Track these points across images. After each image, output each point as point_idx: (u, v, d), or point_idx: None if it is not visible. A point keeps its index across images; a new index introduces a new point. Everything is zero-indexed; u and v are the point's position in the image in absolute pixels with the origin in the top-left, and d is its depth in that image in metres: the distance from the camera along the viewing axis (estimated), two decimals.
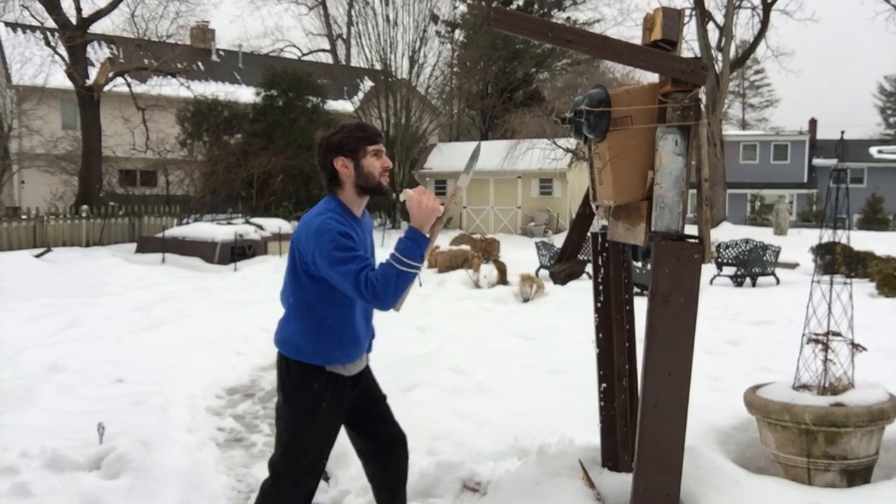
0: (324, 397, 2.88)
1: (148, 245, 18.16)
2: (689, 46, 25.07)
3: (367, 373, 3.12)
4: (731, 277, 13.30)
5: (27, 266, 14.44)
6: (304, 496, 2.96)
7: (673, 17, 2.85)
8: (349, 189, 2.87)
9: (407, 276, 2.65)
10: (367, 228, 3.03)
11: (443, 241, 15.57)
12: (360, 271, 2.63)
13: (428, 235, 2.74)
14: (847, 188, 4.01)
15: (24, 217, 19.58)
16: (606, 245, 3.48)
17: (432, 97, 32.47)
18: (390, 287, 2.62)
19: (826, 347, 3.84)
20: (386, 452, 3.17)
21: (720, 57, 25.99)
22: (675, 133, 2.80)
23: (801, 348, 3.90)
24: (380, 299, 2.63)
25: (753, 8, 27.19)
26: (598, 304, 3.54)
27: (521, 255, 15.94)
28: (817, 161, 38.79)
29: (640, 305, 2.98)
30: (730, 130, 40.93)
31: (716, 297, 10.96)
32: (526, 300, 11.15)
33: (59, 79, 23.97)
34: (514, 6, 34.63)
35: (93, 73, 23.23)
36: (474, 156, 3.02)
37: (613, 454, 3.57)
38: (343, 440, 3.20)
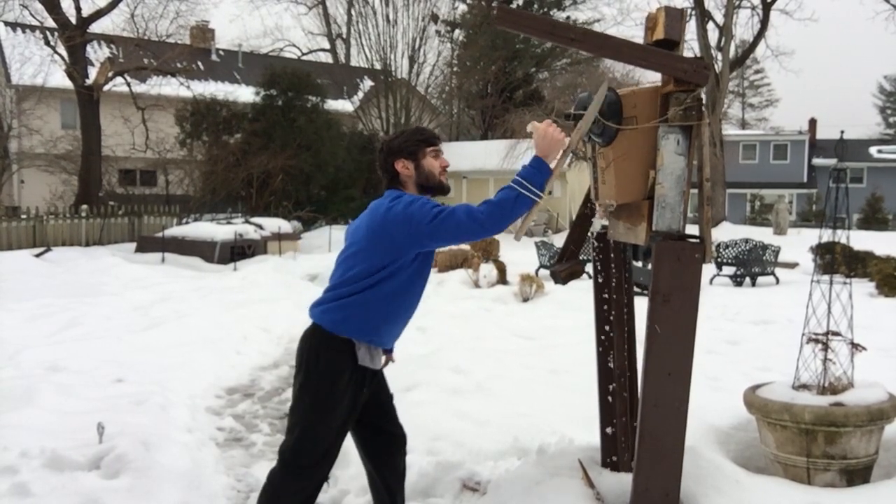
0: (350, 384, 2.90)
1: (148, 245, 18.15)
2: (689, 46, 25.06)
3: (381, 371, 3.17)
4: (731, 277, 13.31)
5: (27, 266, 14.43)
6: (311, 487, 2.95)
7: (675, 17, 2.85)
8: (410, 189, 2.99)
9: (526, 200, 2.69)
10: None
11: None
12: (465, 206, 2.72)
13: (552, 166, 2.76)
14: (847, 188, 4.01)
15: (23, 217, 19.57)
16: (607, 245, 3.48)
17: (432, 97, 32.48)
18: (507, 208, 2.68)
19: (826, 347, 3.84)
20: (389, 451, 3.21)
21: (720, 56, 25.99)
22: (677, 133, 2.80)
23: (801, 348, 3.90)
24: (495, 219, 2.68)
25: (753, 7, 27.19)
26: (599, 304, 3.54)
27: (520, 255, 15.93)
28: (817, 161, 38.81)
29: (641, 305, 2.98)
30: (729, 130, 40.94)
31: (716, 296, 10.96)
32: (526, 300, 11.15)
33: (59, 78, 23.96)
34: (513, 5, 34.65)
35: (92, 72, 23.20)
36: (597, 102, 2.91)
37: (613, 454, 3.57)
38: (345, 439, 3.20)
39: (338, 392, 2.89)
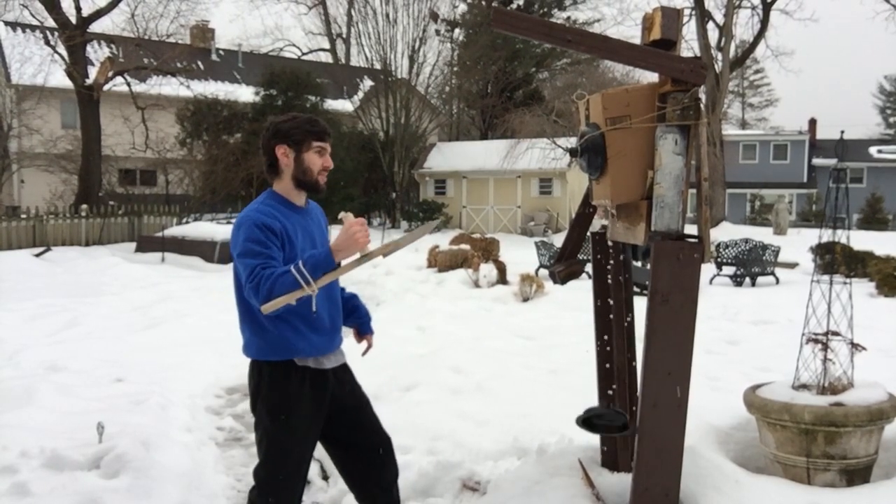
0: (301, 397, 2.82)
1: (147, 244, 18.15)
2: (689, 46, 25.06)
3: (348, 375, 3.03)
4: (731, 277, 13.30)
5: (27, 265, 14.44)
6: (290, 501, 2.89)
7: (672, 17, 2.85)
8: (287, 179, 2.85)
9: (292, 281, 2.52)
10: (314, 218, 2.97)
11: (443, 241, 15.56)
12: (258, 266, 2.57)
13: (338, 263, 2.62)
14: (847, 188, 4.00)
15: (23, 216, 19.57)
16: (606, 245, 3.48)
17: (432, 96, 32.45)
18: (275, 283, 2.52)
19: (825, 347, 3.84)
20: (364, 463, 3.04)
21: (720, 56, 25.98)
22: (674, 132, 2.80)
23: (801, 348, 3.90)
24: (257, 292, 2.54)
25: (753, 7, 27.18)
26: (598, 304, 3.54)
27: (520, 255, 15.93)
28: (817, 161, 38.81)
29: (640, 305, 2.98)
30: (729, 130, 40.92)
31: (715, 296, 10.96)
32: (525, 300, 11.15)
33: (59, 78, 23.96)
34: (514, 6, 34.64)
35: (92, 72, 23.20)
36: (419, 232, 2.95)
37: (613, 454, 3.57)
38: None
39: (295, 407, 2.82)
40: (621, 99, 2.90)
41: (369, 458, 3.04)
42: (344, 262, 2.66)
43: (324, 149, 2.85)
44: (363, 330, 3.19)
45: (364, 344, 3.21)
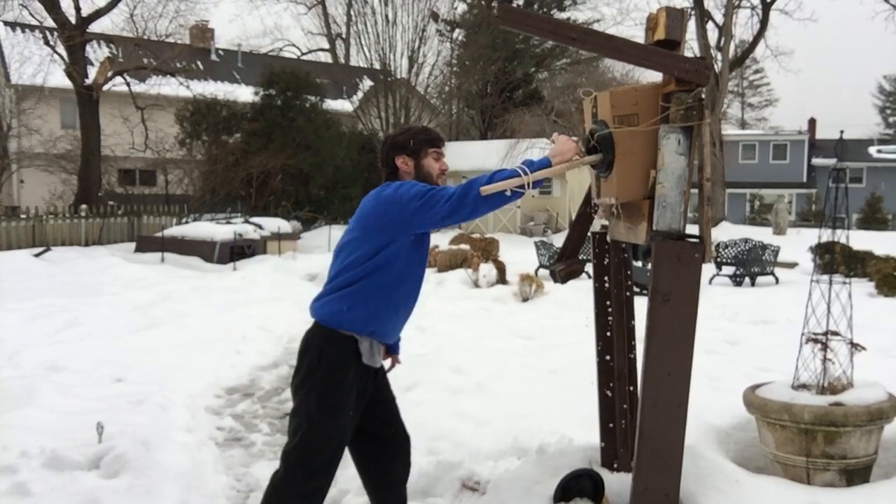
0: (351, 388, 2.88)
1: (147, 244, 18.15)
2: (689, 46, 25.01)
3: (383, 371, 3.14)
4: (731, 277, 13.31)
5: (26, 265, 14.44)
6: (316, 492, 2.90)
7: (676, 18, 2.85)
8: None
9: (512, 173, 2.74)
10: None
11: (442, 241, 15.57)
12: (458, 186, 2.73)
13: (553, 164, 2.81)
14: (846, 188, 4.01)
15: (23, 216, 19.56)
16: (607, 244, 3.48)
17: (431, 96, 32.45)
18: (493, 176, 2.72)
19: (825, 347, 3.84)
20: (383, 457, 3.13)
21: (719, 56, 25.98)
22: (677, 133, 2.80)
23: (801, 348, 3.90)
24: (467, 189, 2.69)
25: (753, 7, 27.19)
26: (598, 304, 3.54)
27: (520, 255, 15.93)
28: (816, 161, 38.83)
29: (641, 305, 2.98)
30: (729, 130, 40.94)
31: (715, 296, 10.96)
32: (525, 300, 11.15)
33: (59, 78, 23.94)
34: (514, 6, 34.58)
35: (92, 72, 23.19)
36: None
37: (613, 454, 3.57)
38: None
39: (344, 389, 2.87)
40: (630, 97, 2.90)
41: (389, 452, 3.14)
42: (555, 164, 2.83)
43: (440, 154, 3.06)
44: (393, 349, 3.26)
45: (388, 362, 3.27)
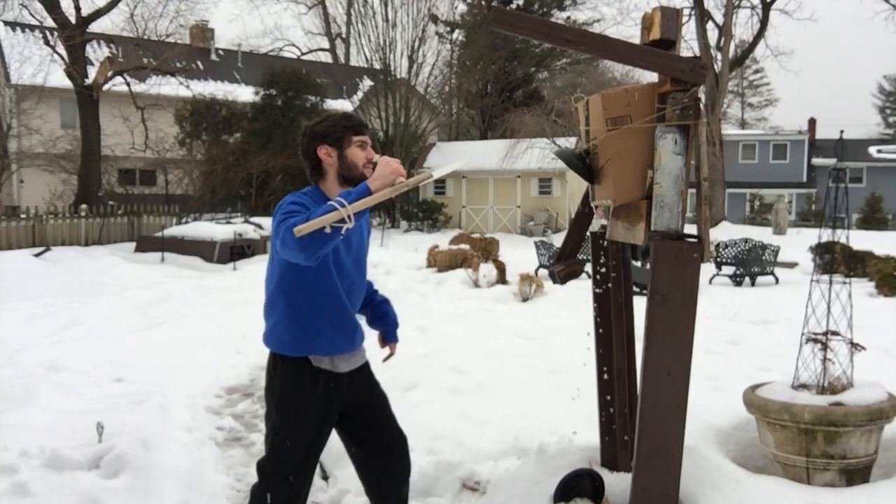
0: (312, 396, 2.82)
1: (147, 244, 18.15)
2: (689, 46, 25.08)
3: (365, 375, 3.03)
4: (731, 277, 13.31)
5: (26, 265, 14.44)
6: (292, 499, 2.89)
7: (671, 17, 2.85)
8: (332, 179, 2.83)
9: (329, 208, 2.48)
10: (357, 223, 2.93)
11: (442, 241, 15.57)
12: (291, 214, 2.56)
13: (373, 191, 2.54)
14: (846, 188, 4.01)
15: (23, 216, 19.55)
16: (606, 244, 3.48)
17: (431, 96, 32.46)
18: (311, 214, 2.51)
19: (825, 347, 3.84)
20: (378, 460, 3.07)
21: (719, 56, 25.99)
22: (674, 132, 2.80)
23: (801, 348, 3.90)
24: (289, 226, 2.48)
25: (753, 7, 27.20)
26: (598, 304, 3.54)
27: (520, 255, 15.94)
28: (816, 160, 38.81)
29: (640, 305, 2.98)
30: (729, 130, 40.93)
31: (715, 296, 10.97)
32: (525, 300, 11.16)
33: (59, 78, 23.94)
34: (513, 6, 34.62)
35: (92, 72, 23.19)
36: (454, 166, 2.98)
37: (613, 454, 3.57)
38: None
39: (305, 405, 2.82)
40: (621, 99, 2.90)
41: (384, 455, 3.06)
42: (375, 191, 2.57)
43: (364, 142, 2.84)
44: (388, 338, 3.21)
45: (386, 350, 3.23)
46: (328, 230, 2.45)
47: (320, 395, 2.84)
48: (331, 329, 2.83)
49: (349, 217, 2.46)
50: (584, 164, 2.93)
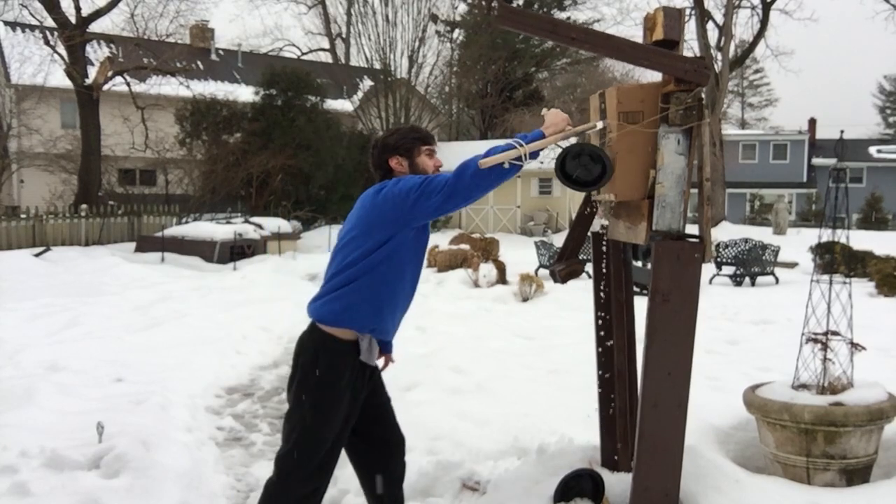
0: (349, 384, 2.87)
1: (147, 244, 18.15)
2: (689, 46, 25.07)
3: (378, 373, 3.13)
4: (731, 277, 13.31)
5: (27, 265, 14.43)
6: (312, 496, 2.89)
7: (674, 17, 2.85)
8: None
9: (507, 146, 2.75)
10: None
11: (442, 241, 15.56)
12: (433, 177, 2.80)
13: (546, 135, 2.82)
14: (846, 188, 4.01)
15: (23, 216, 19.54)
16: (607, 244, 3.48)
17: (432, 96, 32.46)
18: (488, 151, 2.75)
19: (825, 347, 3.84)
20: (380, 457, 3.13)
21: (720, 56, 25.99)
22: (677, 132, 2.80)
23: (801, 348, 3.90)
24: (463, 169, 2.71)
25: (753, 7, 27.20)
26: (598, 304, 3.54)
27: (520, 255, 15.94)
28: (816, 160, 38.83)
29: (641, 305, 2.98)
30: (729, 130, 40.95)
31: (715, 296, 10.97)
32: (525, 300, 11.15)
33: (59, 78, 23.92)
34: (513, 5, 34.58)
35: (92, 72, 23.18)
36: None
37: (613, 454, 3.57)
38: None
39: (339, 393, 2.85)
40: (636, 94, 2.91)
41: (384, 453, 3.13)
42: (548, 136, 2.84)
43: (432, 150, 3.05)
44: (385, 349, 3.24)
45: (381, 361, 3.25)
46: (507, 166, 2.71)
47: (353, 385, 2.90)
48: (396, 312, 2.97)
49: (525, 155, 2.72)
50: (570, 179, 2.96)
